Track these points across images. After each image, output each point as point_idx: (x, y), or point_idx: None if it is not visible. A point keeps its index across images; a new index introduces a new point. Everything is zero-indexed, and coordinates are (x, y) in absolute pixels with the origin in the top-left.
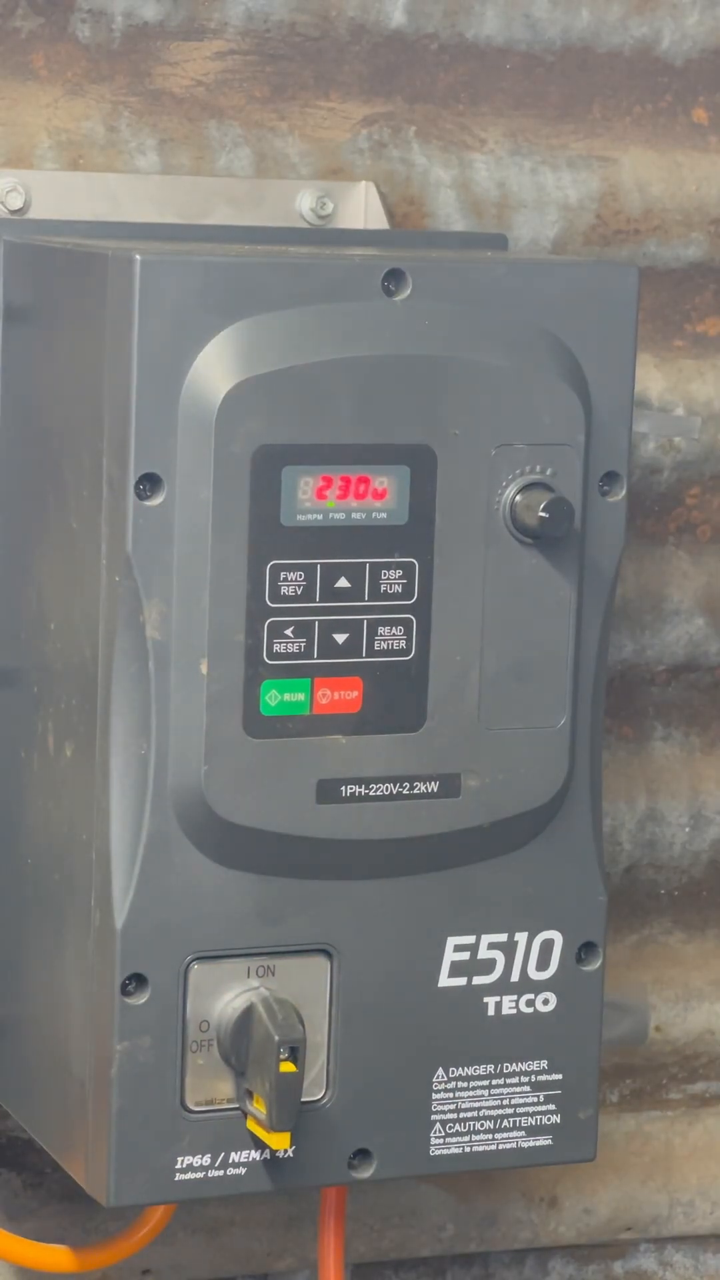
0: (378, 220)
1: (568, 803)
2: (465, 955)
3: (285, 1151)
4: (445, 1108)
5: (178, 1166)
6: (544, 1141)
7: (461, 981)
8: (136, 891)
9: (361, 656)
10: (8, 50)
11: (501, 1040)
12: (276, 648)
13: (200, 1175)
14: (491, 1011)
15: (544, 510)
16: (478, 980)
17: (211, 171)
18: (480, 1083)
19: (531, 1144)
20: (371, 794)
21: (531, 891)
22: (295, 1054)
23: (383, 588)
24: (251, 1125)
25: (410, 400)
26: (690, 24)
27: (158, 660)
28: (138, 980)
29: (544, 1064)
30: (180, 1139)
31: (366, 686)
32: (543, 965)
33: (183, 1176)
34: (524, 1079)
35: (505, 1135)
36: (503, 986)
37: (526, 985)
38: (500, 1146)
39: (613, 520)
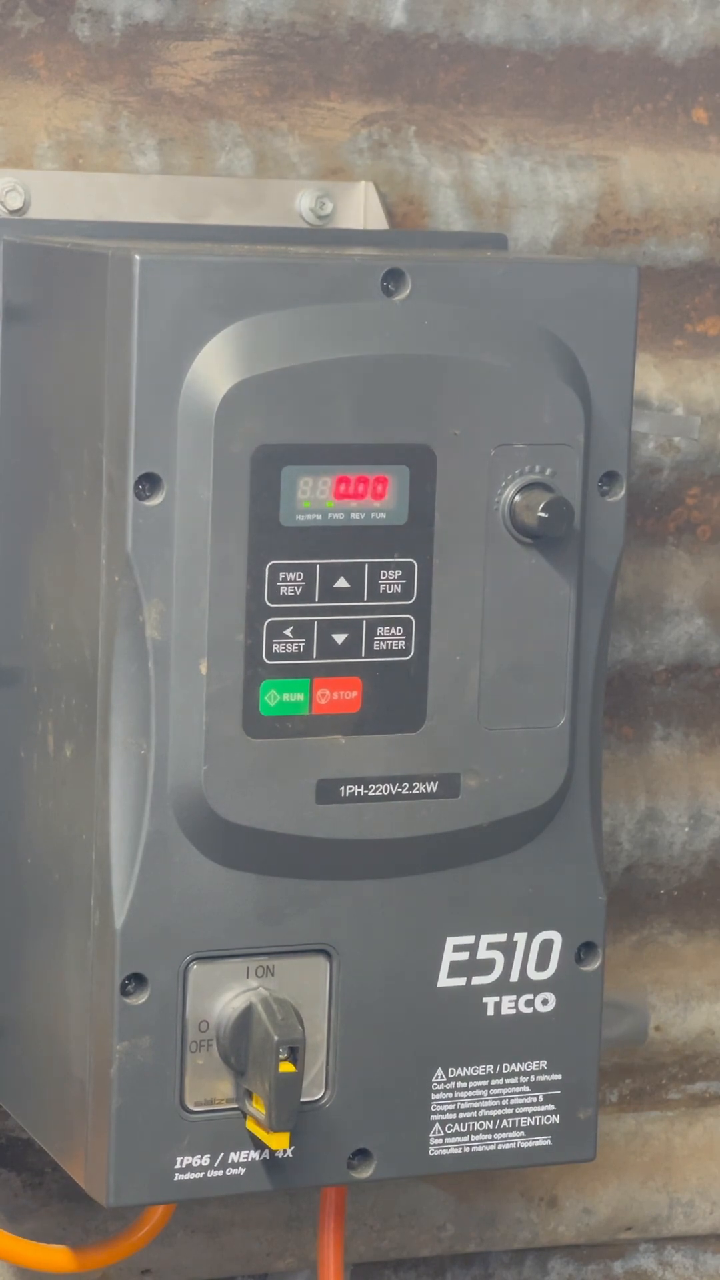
0: (377, 220)
1: (567, 803)
2: (464, 955)
3: (285, 1151)
4: (445, 1108)
5: (177, 1166)
6: (544, 1141)
7: (461, 981)
8: (136, 891)
9: (361, 656)
10: (8, 50)
11: (501, 1040)
12: (276, 648)
13: (200, 1175)
14: (491, 1011)
15: (543, 510)
16: (477, 980)
17: (211, 171)
18: (480, 1083)
19: (531, 1144)
20: (371, 794)
21: (531, 891)
22: (295, 1054)
23: (382, 588)
24: (251, 1125)
25: (410, 400)
26: (690, 24)
27: (157, 660)
28: (137, 980)
29: (543, 1064)
30: (180, 1139)
31: (366, 686)
32: (542, 965)
33: (182, 1176)
34: (523, 1079)
35: (505, 1135)
36: (502, 986)
37: (526, 985)
38: (500, 1146)
39: (612, 520)
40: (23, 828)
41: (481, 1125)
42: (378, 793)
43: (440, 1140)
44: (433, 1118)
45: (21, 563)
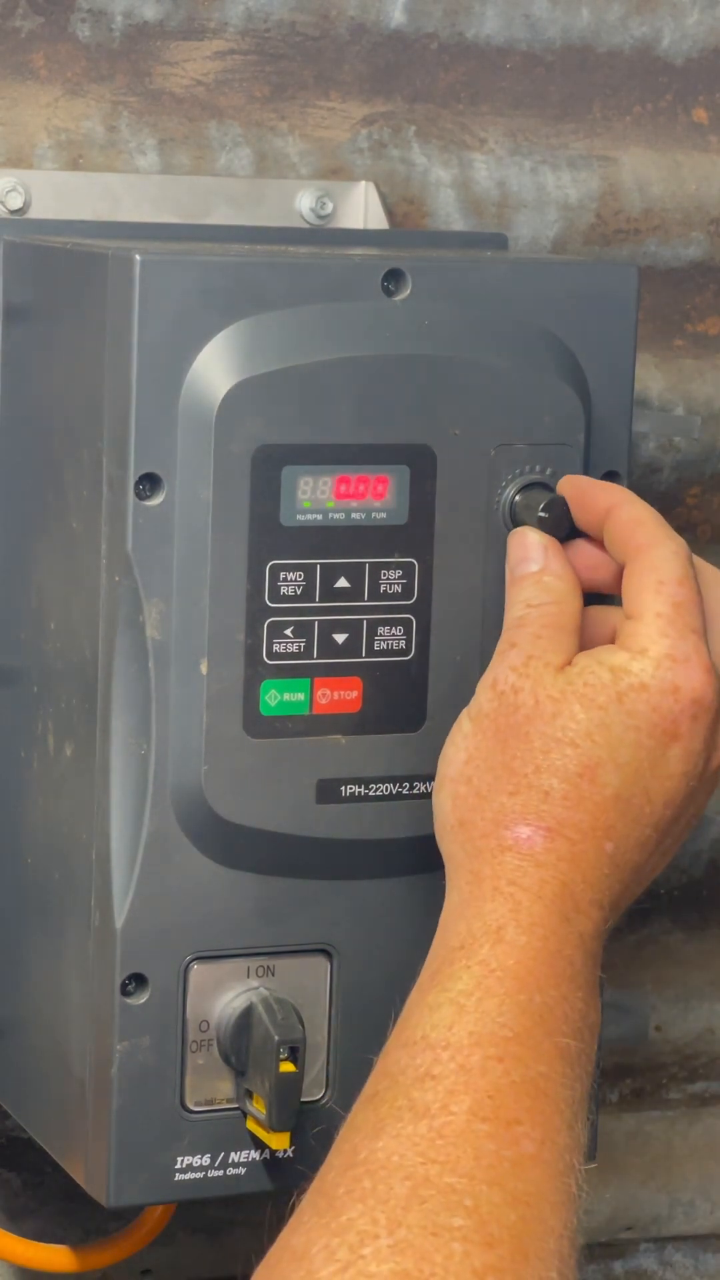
0: (377, 220)
1: None
2: None
3: (285, 1151)
4: None
5: (178, 1166)
6: None
7: None
8: (136, 891)
9: (361, 656)
10: (8, 50)
11: None
12: (276, 648)
13: (200, 1175)
14: None
15: (543, 510)
16: None
17: (211, 171)
18: None
19: None
20: (371, 794)
21: None
22: (295, 1054)
23: (382, 588)
24: (251, 1125)
25: (410, 400)
26: (690, 23)
27: (158, 660)
28: (138, 980)
29: None
30: (180, 1139)
31: (366, 686)
32: None
33: (183, 1176)
34: None
35: None
36: None
37: None
38: None
39: None
40: (23, 828)
41: None
42: (378, 793)
43: None
44: None
45: (21, 563)
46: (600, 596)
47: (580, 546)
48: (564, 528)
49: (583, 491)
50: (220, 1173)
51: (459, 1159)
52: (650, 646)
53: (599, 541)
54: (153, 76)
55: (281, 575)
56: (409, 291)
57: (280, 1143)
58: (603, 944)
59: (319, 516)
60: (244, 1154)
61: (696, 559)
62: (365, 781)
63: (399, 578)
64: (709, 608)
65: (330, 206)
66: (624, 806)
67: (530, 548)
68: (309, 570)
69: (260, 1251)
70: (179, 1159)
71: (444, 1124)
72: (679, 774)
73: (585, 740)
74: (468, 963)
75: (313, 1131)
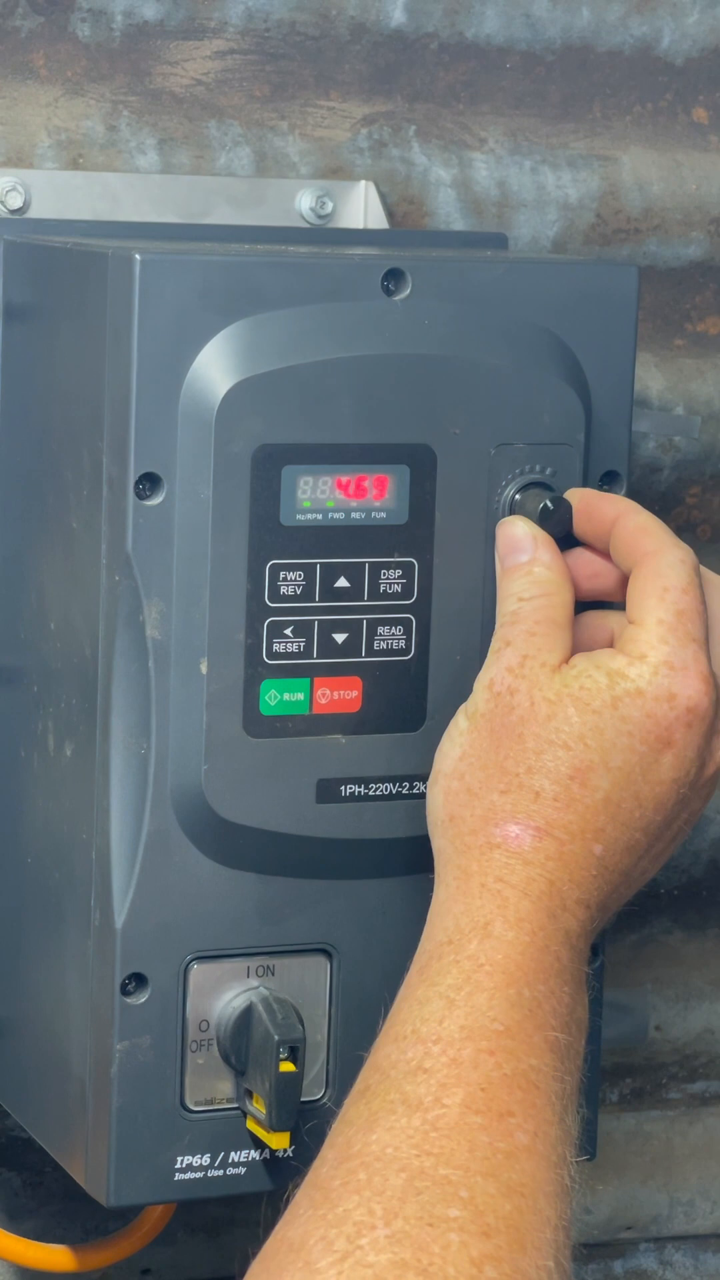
0: (378, 220)
1: None
2: None
3: (285, 1151)
4: None
5: (177, 1166)
6: None
7: None
8: (136, 891)
9: (361, 656)
10: (8, 50)
11: None
12: (276, 647)
13: (200, 1175)
14: None
15: (549, 502)
16: None
17: (211, 171)
18: None
19: None
20: (371, 794)
21: None
22: (295, 1054)
23: (382, 587)
24: (251, 1125)
25: (410, 400)
26: (690, 23)
27: (158, 660)
28: (138, 980)
29: None
30: (180, 1139)
31: (366, 686)
32: None
33: (182, 1176)
34: None
35: None
36: None
37: None
38: None
39: None
40: (23, 828)
41: None
42: (378, 792)
43: None
44: None
45: (21, 562)
46: (600, 604)
47: (581, 554)
48: (565, 528)
49: (588, 503)
50: (220, 1172)
51: (453, 1151)
52: (649, 653)
53: (602, 552)
54: (153, 76)
55: (281, 575)
56: (409, 291)
57: (280, 1142)
58: (590, 942)
59: (319, 516)
60: (244, 1154)
61: (702, 569)
62: (365, 781)
63: (399, 577)
64: (712, 617)
65: (330, 206)
66: (614, 810)
67: (519, 539)
68: (309, 570)
69: (257, 1250)
70: (179, 1159)
71: (437, 1117)
72: (670, 780)
73: (578, 743)
74: (456, 957)
75: (307, 1128)
